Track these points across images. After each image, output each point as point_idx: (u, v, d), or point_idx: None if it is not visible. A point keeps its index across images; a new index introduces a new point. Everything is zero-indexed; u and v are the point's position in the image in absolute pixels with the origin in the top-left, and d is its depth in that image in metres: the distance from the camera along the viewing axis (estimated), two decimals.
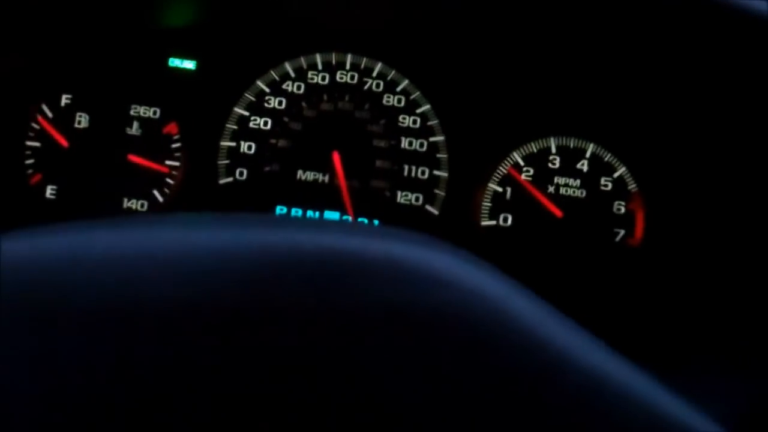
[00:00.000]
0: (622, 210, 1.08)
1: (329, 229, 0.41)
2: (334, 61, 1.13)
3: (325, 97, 1.13)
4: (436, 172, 1.11)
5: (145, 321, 0.35)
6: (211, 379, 0.34)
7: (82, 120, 1.13)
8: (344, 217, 1.11)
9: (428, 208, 1.11)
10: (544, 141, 1.10)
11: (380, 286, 0.36)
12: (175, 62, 1.13)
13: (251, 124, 1.13)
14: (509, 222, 1.10)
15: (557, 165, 1.10)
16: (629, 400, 0.37)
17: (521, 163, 1.10)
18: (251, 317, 0.36)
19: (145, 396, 0.34)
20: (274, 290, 0.36)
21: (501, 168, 1.10)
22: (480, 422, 0.35)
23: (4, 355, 0.34)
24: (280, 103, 1.13)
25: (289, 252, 0.37)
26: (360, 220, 1.11)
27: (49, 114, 1.13)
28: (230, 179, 1.13)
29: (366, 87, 1.13)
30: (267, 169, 1.12)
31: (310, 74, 1.13)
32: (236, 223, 0.41)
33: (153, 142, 1.13)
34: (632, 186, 1.08)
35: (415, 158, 1.12)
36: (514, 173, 1.10)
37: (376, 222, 1.11)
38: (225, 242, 0.38)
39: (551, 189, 1.09)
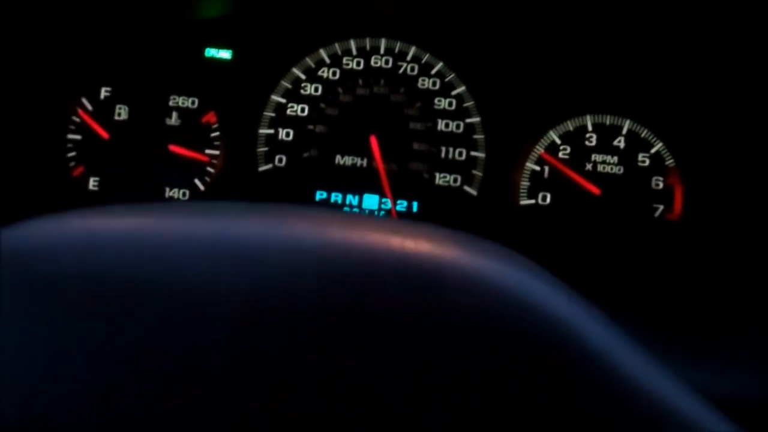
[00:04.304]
0: (661, 185, 1.08)
1: (409, 233, 0.40)
2: (368, 46, 1.14)
3: (361, 81, 1.14)
4: (473, 153, 1.12)
5: (213, 310, 0.35)
6: (272, 375, 0.35)
7: (121, 112, 1.15)
8: (383, 200, 1.12)
9: (466, 188, 1.12)
10: (580, 119, 1.10)
11: (453, 298, 0.36)
12: (211, 52, 1.14)
13: (288, 111, 1.14)
14: (548, 201, 1.10)
15: (594, 143, 1.10)
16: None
17: (558, 141, 1.10)
18: (320, 314, 0.36)
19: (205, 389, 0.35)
20: (346, 294, 0.36)
21: (538, 147, 1.10)
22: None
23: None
24: (316, 89, 1.14)
25: (367, 256, 0.37)
26: (399, 202, 1.12)
27: (89, 107, 1.15)
28: (269, 166, 1.14)
29: (401, 71, 1.13)
30: (305, 155, 1.13)
31: (345, 60, 1.14)
32: (321, 218, 0.40)
33: (192, 131, 1.14)
34: (670, 161, 1.08)
35: (451, 140, 1.12)
36: (552, 152, 1.10)
37: (414, 204, 1.12)
38: (308, 238, 0.37)
39: (589, 167, 1.10)
